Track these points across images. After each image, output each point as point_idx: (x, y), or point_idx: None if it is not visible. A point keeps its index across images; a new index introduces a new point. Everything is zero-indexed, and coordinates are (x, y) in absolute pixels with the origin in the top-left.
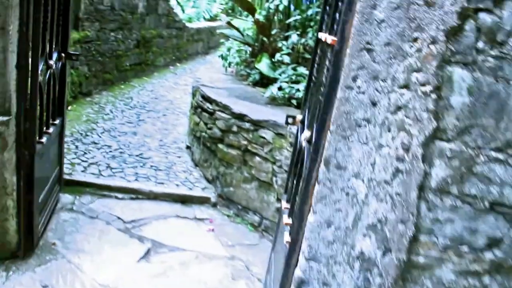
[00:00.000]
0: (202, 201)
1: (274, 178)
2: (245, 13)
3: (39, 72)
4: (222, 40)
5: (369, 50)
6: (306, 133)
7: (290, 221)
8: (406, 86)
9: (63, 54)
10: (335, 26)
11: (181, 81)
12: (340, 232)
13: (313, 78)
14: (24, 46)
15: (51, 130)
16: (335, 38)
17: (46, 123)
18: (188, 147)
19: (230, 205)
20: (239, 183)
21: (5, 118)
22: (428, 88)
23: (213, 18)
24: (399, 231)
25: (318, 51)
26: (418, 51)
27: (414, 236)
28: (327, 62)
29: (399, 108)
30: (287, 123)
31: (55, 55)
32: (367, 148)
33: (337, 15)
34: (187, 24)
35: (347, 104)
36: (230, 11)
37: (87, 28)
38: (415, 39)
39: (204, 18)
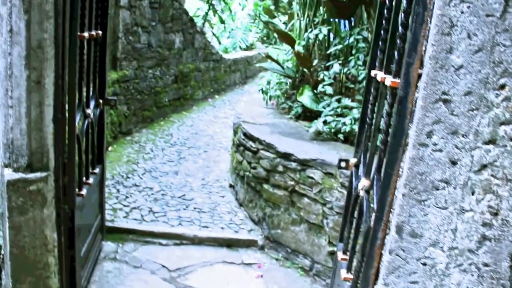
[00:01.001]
0: (248, 244)
1: (325, 221)
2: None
3: (76, 123)
4: (261, 74)
5: (445, 101)
6: (365, 182)
7: (349, 276)
8: (492, 141)
9: (100, 101)
10: (393, 66)
11: (221, 114)
12: None
13: (368, 119)
14: (60, 99)
15: (91, 180)
16: (396, 80)
17: (86, 174)
18: (231, 186)
19: (278, 248)
20: (287, 225)
21: (43, 174)
22: None
23: (249, 47)
24: None
25: (372, 90)
26: (506, 100)
27: None
28: (386, 106)
29: (484, 166)
30: (339, 167)
31: (92, 103)
32: (447, 213)
33: (396, 53)
34: (224, 55)
35: (421, 164)
36: (265, 38)
37: (125, 67)
38: (502, 86)
39: (241, 48)
